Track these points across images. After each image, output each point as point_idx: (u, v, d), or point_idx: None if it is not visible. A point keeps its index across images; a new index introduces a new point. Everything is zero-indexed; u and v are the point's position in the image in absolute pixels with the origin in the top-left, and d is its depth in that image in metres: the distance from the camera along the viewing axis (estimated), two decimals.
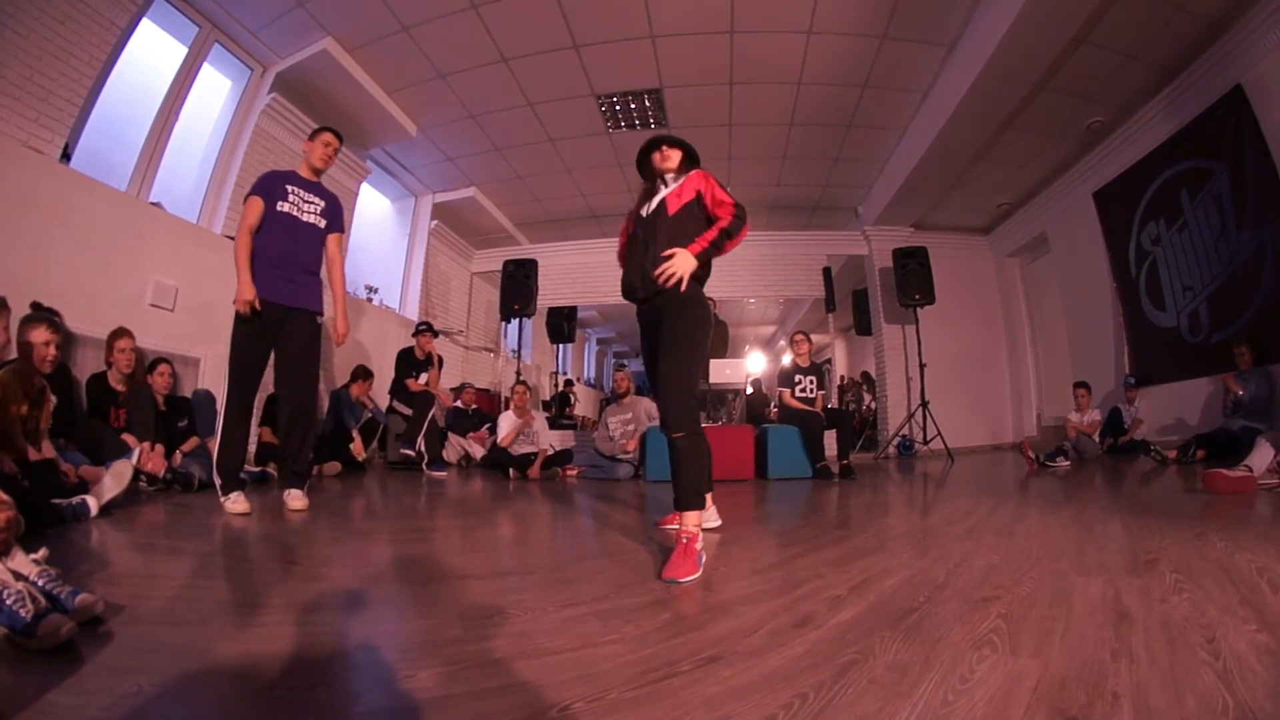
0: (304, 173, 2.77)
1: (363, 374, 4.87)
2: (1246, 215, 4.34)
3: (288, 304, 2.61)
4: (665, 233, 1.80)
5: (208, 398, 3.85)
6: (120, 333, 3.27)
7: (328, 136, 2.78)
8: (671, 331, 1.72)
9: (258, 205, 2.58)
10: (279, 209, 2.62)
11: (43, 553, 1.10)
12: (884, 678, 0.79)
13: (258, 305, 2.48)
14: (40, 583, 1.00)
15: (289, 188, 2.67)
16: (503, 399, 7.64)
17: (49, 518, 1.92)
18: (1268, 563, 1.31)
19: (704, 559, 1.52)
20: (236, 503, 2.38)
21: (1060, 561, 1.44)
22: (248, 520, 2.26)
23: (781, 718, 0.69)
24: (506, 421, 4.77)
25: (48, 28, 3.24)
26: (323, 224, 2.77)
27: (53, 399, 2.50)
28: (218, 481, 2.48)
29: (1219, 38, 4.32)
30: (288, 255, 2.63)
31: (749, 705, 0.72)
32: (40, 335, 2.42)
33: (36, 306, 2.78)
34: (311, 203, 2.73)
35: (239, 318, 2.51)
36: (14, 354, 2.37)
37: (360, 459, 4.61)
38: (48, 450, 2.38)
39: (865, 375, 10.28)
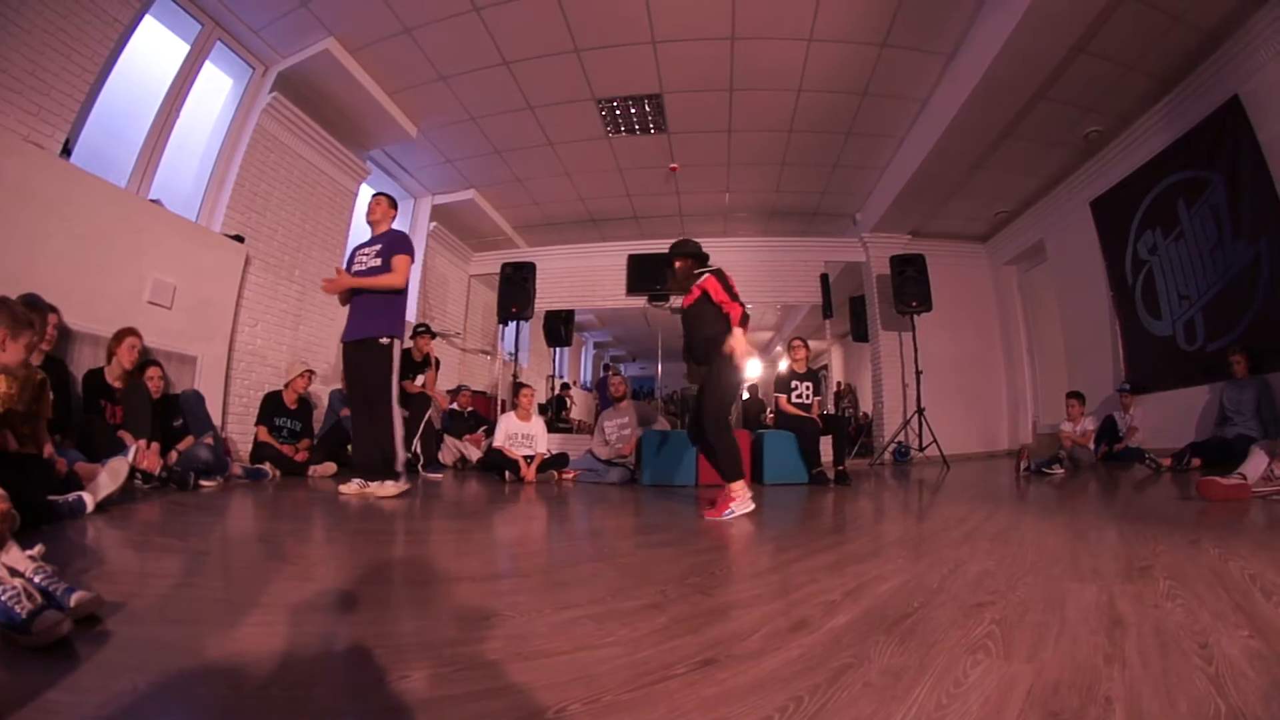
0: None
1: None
2: (1243, 225, 4.37)
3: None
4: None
5: (195, 397, 3.82)
6: (129, 331, 3.28)
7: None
8: (706, 382, 2.84)
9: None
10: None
11: (39, 549, 1.09)
12: (878, 681, 0.80)
13: None
14: (36, 579, 0.99)
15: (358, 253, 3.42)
16: (499, 401, 7.62)
17: (45, 514, 1.91)
18: (1261, 569, 1.32)
19: (734, 514, 2.43)
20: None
21: (1054, 567, 1.44)
22: (250, 519, 2.42)
23: None
24: (507, 423, 4.76)
25: (51, 22, 3.25)
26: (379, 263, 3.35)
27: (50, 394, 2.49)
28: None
29: (1217, 49, 4.36)
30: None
31: (744, 708, 0.72)
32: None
33: (34, 301, 2.77)
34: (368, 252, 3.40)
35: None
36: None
37: None
38: (46, 444, 2.36)
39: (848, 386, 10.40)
